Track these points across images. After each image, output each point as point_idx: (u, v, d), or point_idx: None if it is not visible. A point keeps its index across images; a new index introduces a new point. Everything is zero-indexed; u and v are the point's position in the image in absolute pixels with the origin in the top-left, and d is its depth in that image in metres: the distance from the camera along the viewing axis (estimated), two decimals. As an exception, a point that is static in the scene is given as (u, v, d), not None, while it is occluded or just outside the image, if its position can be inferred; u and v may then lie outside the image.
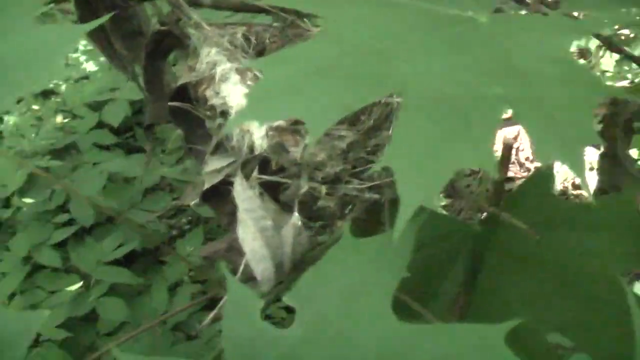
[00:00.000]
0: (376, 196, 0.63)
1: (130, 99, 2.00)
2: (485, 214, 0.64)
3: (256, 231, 0.54)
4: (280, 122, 0.59)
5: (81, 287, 1.62)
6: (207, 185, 0.64)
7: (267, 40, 0.75)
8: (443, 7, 0.46)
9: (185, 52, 0.73)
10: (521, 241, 0.57)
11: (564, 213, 0.57)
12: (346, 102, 0.38)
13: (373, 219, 0.65)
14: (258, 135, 0.61)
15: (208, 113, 0.69)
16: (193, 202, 0.70)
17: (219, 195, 0.64)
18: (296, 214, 0.56)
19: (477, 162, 0.34)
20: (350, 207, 0.65)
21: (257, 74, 0.66)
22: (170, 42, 0.73)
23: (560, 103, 0.36)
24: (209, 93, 0.66)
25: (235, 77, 0.66)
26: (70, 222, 1.74)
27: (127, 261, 1.69)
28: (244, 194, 0.56)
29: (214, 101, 0.64)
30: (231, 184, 0.66)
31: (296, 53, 0.41)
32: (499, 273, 0.60)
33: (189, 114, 0.71)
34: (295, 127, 0.60)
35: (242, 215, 0.54)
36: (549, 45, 0.41)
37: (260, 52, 0.74)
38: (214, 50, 0.67)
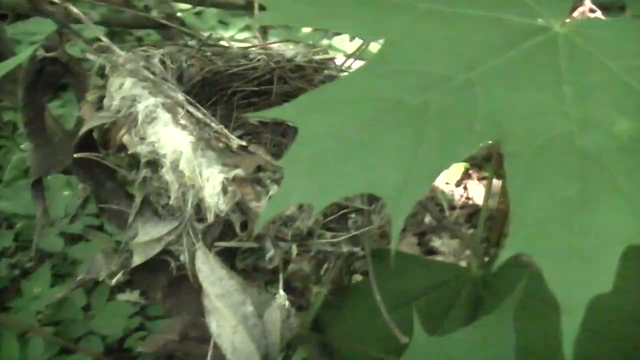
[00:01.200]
0: (356, 249, 0.55)
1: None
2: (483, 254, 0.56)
3: (237, 322, 0.42)
4: (238, 171, 0.50)
5: None
6: (140, 259, 0.51)
7: (184, 64, 0.62)
8: (500, 13, 0.39)
9: (80, 85, 0.58)
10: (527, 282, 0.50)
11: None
12: (434, 166, 0.32)
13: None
14: (210, 189, 0.48)
15: (126, 163, 0.55)
16: (111, 279, 0.56)
17: (151, 265, 0.54)
18: (282, 292, 0.45)
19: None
20: (325, 266, 0.54)
21: (191, 109, 0.54)
22: (56, 72, 0.58)
23: None
24: (129, 139, 0.52)
25: (164, 116, 0.54)
26: None
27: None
28: (214, 275, 0.44)
29: (138, 149, 0.51)
30: (168, 252, 0.54)
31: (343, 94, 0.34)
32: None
33: (97, 166, 0.59)
34: (256, 176, 0.51)
35: (213, 302, 0.43)
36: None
37: (179, 79, 0.61)
38: (129, 82, 0.53)
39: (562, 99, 0.34)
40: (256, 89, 0.71)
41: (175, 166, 0.51)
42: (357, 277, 0.65)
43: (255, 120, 0.73)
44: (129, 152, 0.54)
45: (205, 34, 0.66)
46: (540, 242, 0.28)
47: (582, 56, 0.36)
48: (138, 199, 0.55)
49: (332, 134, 0.32)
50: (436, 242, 1.36)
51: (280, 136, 0.73)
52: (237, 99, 0.71)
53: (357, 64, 0.68)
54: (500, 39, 0.37)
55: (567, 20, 0.38)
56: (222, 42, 0.68)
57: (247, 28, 1.95)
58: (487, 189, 0.53)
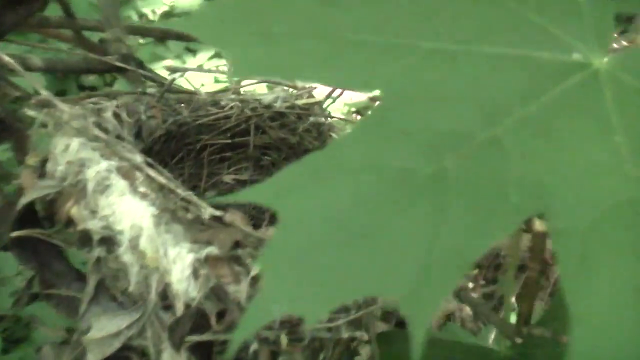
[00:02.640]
0: (358, 333, 0.50)
1: None
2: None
3: None
4: (211, 249, 0.45)
5: None
6: (95, 358, 0.44)
7: (143, 115, 0.56)
8: (525, 49, 0.33)
9: (20, 145, 0.52)
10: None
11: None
12: (461, 252, 0.26)
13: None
14: (178, 273, 0.42)
15: (76, 240, 0.52)
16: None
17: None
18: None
19: None
20: (322, 355, 0.48)
21: (151, 173, 0.50)
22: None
23: None
24: (78, 212, 0.46)
25: (120, 184, 0.50)
26: None
27: None
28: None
29: (90, 224, 0.45)
30: (129, 348, 0.49)
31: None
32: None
33: (41, 244, 0.53)
34: (234, 254, 0.46)
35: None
36: None
37: (138, 134, 0.55)
38: (76, 143, 0.47)
39: (616, 153, 0.29)
40: (229, 141, 0.67)
41: (134, 245, 0.47)
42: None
43: (231, 178, 0.68)
44: (79, 228, 0.50)
45: (169, 76, 0.59)
46: (610, 351, 0.24)
47: (632, 96, 0.31)
48: (91, 284, 0.50)
49: (323, 219, 0.26)
50: (449, 306, 1.28)
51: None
52: (208, 153, 0.67)
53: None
54: (528, 82, 0.32)
55: (609, 54, 0.33)
56: (187, 86, 0.61)
57: (217, 55, 1.88)
58: (511, 262, 0.46)
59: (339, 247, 0.26)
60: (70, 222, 0.50)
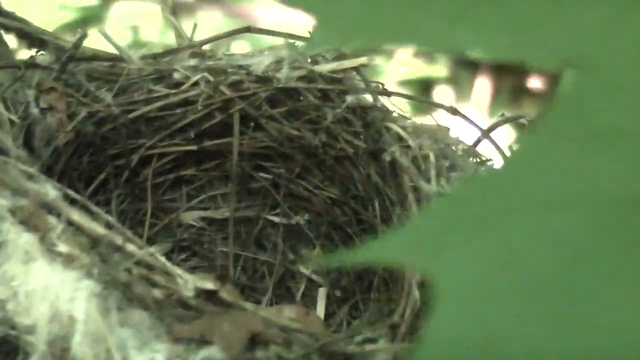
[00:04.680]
0: None
1: None
2: None
3: None
4: (212, 354, 0.37)
5: None
6: None
7: (34, 108, 0.49)
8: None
9: None
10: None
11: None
12: None
13: None
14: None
15: None
16: None
17: None
18: None
19: None
20: None
21: (76, 216, 0.41)
22: None
23: None
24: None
25: (21, 240, 0.40)
26: None
27: None
28: None
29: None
30: None
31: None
32: None
33: None
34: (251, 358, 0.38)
35: None
36: None
37: (26, 141, 0.49)
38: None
39: None
40: (193, 148, 0.52)
41: (60, 353, 0.39)
42: None
43: (197, 217, 0.53)
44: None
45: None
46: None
47: None
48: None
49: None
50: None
51: (256, 247, 0.54)
52: (154, 172, 0.53)
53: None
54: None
55: None
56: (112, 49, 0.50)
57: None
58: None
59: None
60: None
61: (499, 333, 0.23)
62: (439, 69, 1.25)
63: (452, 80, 1.27)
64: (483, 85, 1.20)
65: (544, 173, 0.25)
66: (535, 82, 1.21)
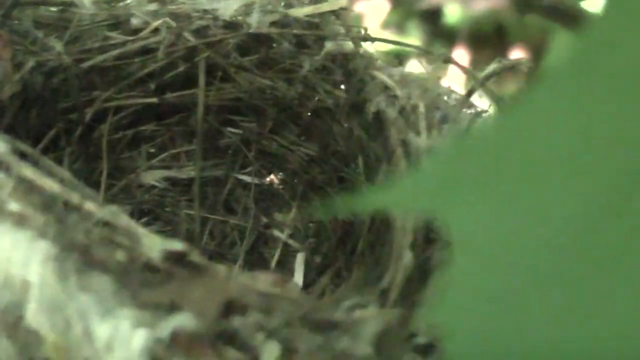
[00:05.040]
0: None
1: None
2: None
3: None
4: (182, 320, 0.35)
5: None
6: None
7: None
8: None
9: None
10: None
11: None
12: None
13: None
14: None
15: None
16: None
17: None
18: None
19: None
20: None
21: (29, 172, 0.40)
22: None
23: None
24: None
25: None
26: None
27: None
28: None
29: None
30: None
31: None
32: None
33: None
34: (226, 327, 0.36)
35: None
36: None
37: None
38: None
39: None
40: (153, 101, 0.51)
41: (14, 321, 0.38)
42: None
43: (160, 177, 0.51)
44: None
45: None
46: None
47: None
48: None
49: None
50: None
51: (225, 210, 0.53)
52: (110, 128, 0.52)
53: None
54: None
55: None
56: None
57: None
58: None
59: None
60: None
61: (522, 287, 0.20)
62: (413, 40, 1.25)
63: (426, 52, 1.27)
64: (461, 57, 1.20)
65: (563, 123, 0.20)
66: (517, 54, 1.20)
